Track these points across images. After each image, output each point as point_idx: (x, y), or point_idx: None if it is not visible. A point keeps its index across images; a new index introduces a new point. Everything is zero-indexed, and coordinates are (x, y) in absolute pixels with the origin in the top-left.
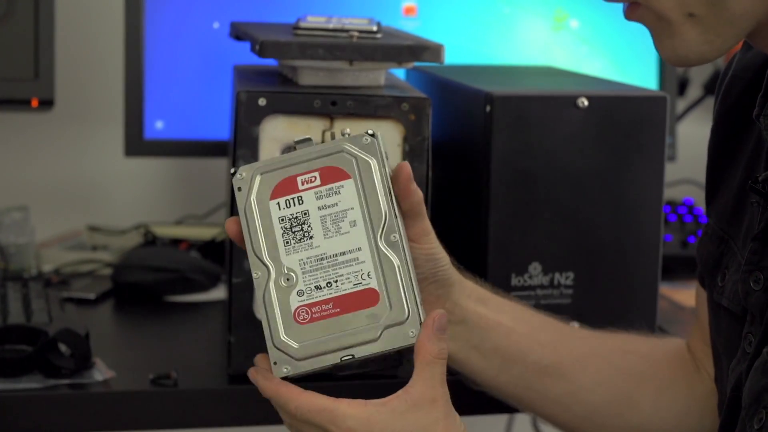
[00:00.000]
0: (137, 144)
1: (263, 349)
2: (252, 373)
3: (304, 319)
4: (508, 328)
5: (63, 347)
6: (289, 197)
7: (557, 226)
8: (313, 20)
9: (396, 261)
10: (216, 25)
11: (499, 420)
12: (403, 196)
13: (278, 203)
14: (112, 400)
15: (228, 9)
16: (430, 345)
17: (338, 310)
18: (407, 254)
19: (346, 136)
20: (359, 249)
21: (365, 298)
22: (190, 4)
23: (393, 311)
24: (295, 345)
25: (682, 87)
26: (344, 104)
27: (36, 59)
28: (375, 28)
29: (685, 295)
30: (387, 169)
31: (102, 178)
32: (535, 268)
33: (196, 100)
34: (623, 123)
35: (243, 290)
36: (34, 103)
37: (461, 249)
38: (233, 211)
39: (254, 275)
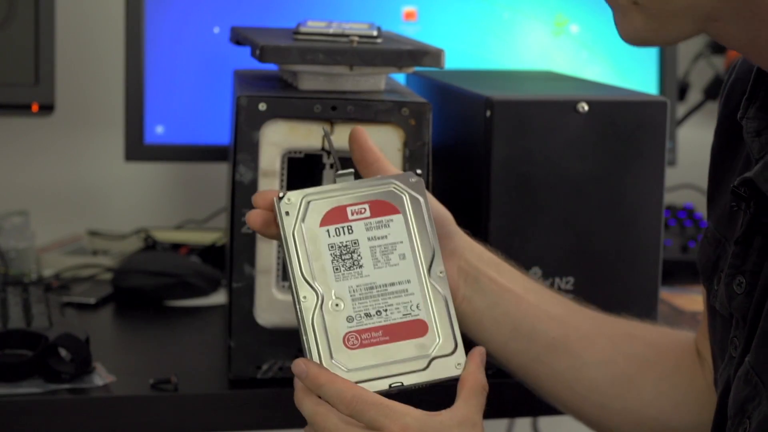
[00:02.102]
0: (137, 149)
1: (263, 354)
2: (301, 362)
3: (354, 344)
4: (519, 296)
5: (63, 352)
6: (339, 225)
7: (557, 230)
8: (314, 25)
9: (444, 294)
10: (216, 29)
11: (500, 424)
12: (371, 159)
13: (328, 230)
14: (112, 404)
15: (228, 14)
16: (478, 375)
17: (387, 338)
18: (449, 289)
19: (393, 174)
20: (408, 281)
21: (414, 329)
22: (191, 9)
23: (441, 343)
24: (344, 369)
25: (683, 92)
26: (344, 109)
27: (36, 64)
28: (375, 33)
29: (686, 299)
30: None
31: (102, 183)
32: (535, 272)
33: (197, 105)
34: (623, 128)
35: (243, 295)
36: (35, 108)
37: None
38: (234, 215)
39: (301, 298)
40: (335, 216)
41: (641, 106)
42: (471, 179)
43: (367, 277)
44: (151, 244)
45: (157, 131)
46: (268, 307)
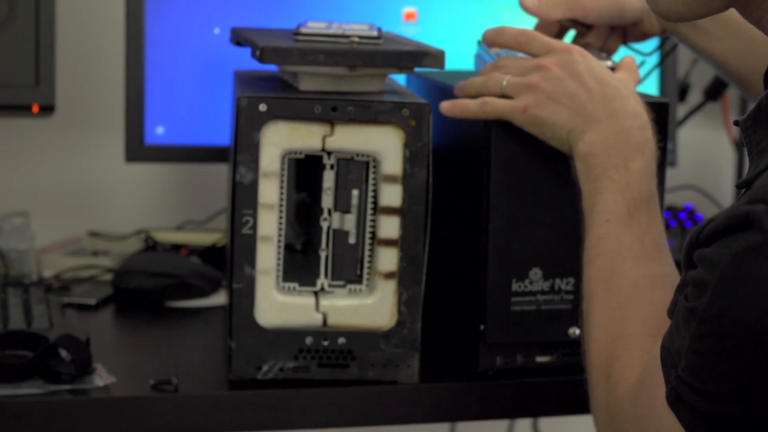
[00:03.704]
0: (138, 150)
1: (264, 355)
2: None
3: None
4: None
5: (64, 353)
6: None
7: (557, 231)
8: (314, 26)
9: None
10: (217, 30)
11: (500, 425)
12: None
13: None
14: (112, 405)
15: (229, 15)
16: (634, 63)
17: None
18: None
19: None
20: None
21: None
22: (191, 10)
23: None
24: None
25: (683, 93)
26: (345, 110)
27: (37, 65)
28: (376, 34)
29: None
30: None
31: (102, 184)
32: (535, 273)
33: (197, 106)
34: None
35: (243, 296)
36: (35, 108)
37: (462, 254)
38: (234, 216)
39: None
40: None
41: None
42: (471, 179)
43: None
44: (152, 245)
45: (158, 132)
46: (269, 308)
